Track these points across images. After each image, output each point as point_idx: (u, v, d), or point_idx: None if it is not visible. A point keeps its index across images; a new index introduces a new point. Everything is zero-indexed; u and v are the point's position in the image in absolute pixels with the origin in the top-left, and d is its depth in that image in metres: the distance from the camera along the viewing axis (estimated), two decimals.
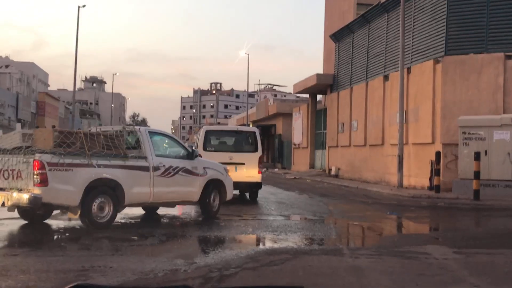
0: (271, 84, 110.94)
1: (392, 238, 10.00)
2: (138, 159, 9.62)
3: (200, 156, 11.40)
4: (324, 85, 31.24)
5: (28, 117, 63.78)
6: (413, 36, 20.88)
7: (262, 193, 16.53)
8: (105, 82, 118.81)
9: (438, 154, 17.29)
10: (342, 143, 27.89)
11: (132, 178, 9.39)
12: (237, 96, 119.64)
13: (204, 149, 14.53)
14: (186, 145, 11.47)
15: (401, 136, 19.41)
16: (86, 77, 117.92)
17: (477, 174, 15.58)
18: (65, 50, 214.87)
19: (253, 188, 15.13)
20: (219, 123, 78.85)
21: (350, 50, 28.14)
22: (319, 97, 36.21)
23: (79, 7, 36.92)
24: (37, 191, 8.28)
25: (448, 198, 16.20)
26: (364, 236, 10.29)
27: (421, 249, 7.97)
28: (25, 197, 8.29)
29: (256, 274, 6.20)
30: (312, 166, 33.68)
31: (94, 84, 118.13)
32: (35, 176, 8.28)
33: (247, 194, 15.72)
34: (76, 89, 46.03)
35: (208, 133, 15.36)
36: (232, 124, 59.15)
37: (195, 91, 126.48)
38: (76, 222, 9.54)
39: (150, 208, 11.09)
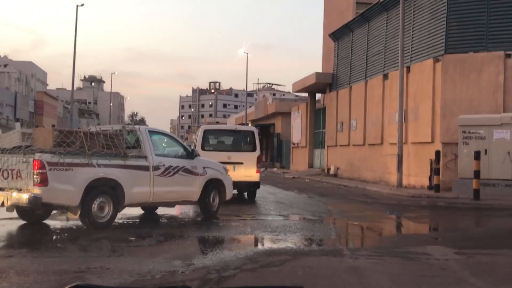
0: (270, 83, 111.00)
1: (392, 238, 9.93)
2: (138, 159, 9.57)
3: (199, 155, 11.33)
4: (323, 84, 31.17)
5: (27, 116, 63.66)
6: (412, 34, 20.81)
7: (261, 192, 16.46)
8: (103, 82, 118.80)
9: (437, 153, 17.23)
10: (341, 142, 27.82)
11: (132, 178, 9.34)
12: (236, 95, 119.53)
13: (203, 148, 14.51)
14: (185, 144, 11.41)
15: (400, 135, 19.34)
16: (84, 76, 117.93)
17: (477, 174, 15.51)
18: (64, 50, 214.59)
19: (251, 187, 15.14)
20: (217, 123, 78.91)
21: (349, 49, 28.06)
22: (318, 96, 36.12)
23: (77, 6, 36.93)
24: (37, 191, 8.23)
25: (448, 197, 16.14)
26: (364, 236, 10.21)
27: (422, 249, 7.90)
28: (25, 197, 8.23)
29: (255, 275, 6.12)
30: (311, 165, 33.61)
31: (93, 84, 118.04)
32: (35, 176, 8.22)
33: (246, 194, 15.67)
34: (75, 88, 45.93)
35: (206, 133, 15.36)
36: (231, 123, 59.14)
37: (194, 91, 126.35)
38: (73, 223, 9.46)
39: (149, 208, 11.03)
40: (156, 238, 8.54)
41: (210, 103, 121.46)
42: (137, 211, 10.99)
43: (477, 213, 13.89)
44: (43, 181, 8.21)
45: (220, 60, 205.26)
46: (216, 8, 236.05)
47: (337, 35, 29.90)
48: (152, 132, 10.41)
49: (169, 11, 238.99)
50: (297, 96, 54.23)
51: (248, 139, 15.59)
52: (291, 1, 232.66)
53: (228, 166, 12.22)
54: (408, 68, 20.55)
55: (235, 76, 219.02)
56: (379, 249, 8.10)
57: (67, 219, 9.26)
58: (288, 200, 15.60)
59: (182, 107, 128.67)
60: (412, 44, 20.73)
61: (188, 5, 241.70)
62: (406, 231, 11.32)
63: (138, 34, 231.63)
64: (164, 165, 9.97)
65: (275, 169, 39.01)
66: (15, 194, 8.36)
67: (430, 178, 18.16)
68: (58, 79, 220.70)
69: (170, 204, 10.75)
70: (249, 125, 47.29)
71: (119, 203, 9.17)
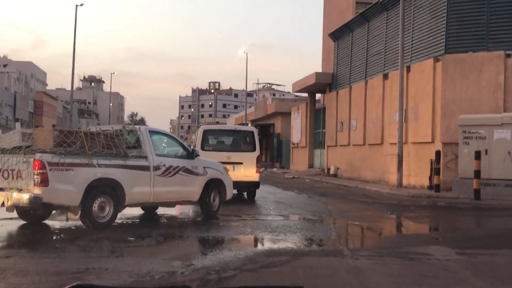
0: (269, 84, 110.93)
1: (393, 238, 9.88)
2: (138, 159, 9.55)
3: (199, 155, 11.30)
4: (323, 84, 31.12)
5: (26, 116, 63.64)
6: (412, 34, 20.76)
7: (261, 192, 16.42)
8: (103, 82, 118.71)
9: (438, 153, 17.18)
10: (341, 142, 27.78)
11: (132, 178, 9.31)
12: (236, 95, 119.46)
13: (202, 148, 14.48)
14: (186, 144, 11.37)
15: (400, 135, 19.30)
16: (84, 77, 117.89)
17: (477, 173, 15.47)
18: (64, 50, 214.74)
19: (251, 187, 15.13)
20: (217, 123, 78.84)
21: (349, 49, 28.02)
22: (318, 96, 36.09)
23: (76, 6, 36.89)
24: (37, 191, 8.19)
25: (448, 197, 16.10)
26: (364, 237, 10.17)
27: (423, 249, 7.85)
28: (25, 197, 8.20)
29: (255, 276, 6.08)
30: (311, 165, 33.56)
31: (93, 84, 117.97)
32: (35, 176, 8.18)
33: (245, 194, 15.64)
34: (75, 88, 45.91)
35: (206, 133, 15.35)
36: (231, 123, 59.09)
37: (193, 91, 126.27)
38: (72, 223, 9.40)
39: (149, 208, 11.00)
40: (155, 238, 8.50)
41: (210, 103, 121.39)
42: (137, 211, 10.94)
43: (477, 213, 13.84)
44: (44, 181, 8.18)
45: (220, 60, 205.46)
46: (216, 8, 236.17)
47: (337, 35, 29.85)
48: (153, 132, 10.38)
49: (169, 11, 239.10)
50: (297, 96, 54.20)
51: (248, 139, 15.57)
52: (291, 1, 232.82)
53: (228, 166, 12.20)
54: (408, 68, 20.51)
55: (235, 76, 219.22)
56: (379, 249, 8.06)
57: (67, 219, 9.20)
58: (288, 200, 15.56)
59: (182, 107, 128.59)
60: (412, 44, 20.69)
61: (188, 5, 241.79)
62: (407, 231, 11.27)
63: (138, 34, 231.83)
64: (164, 165, 9.94)
65: (275, 169, 38.96)
66: (15, 194, 8.33)
67: (430, 178, 18.12)
68: (58, 79, 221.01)
69: (171, 204, 10.72)
70: (249, 125, 47.25)
71: (119, 203, 9.14)
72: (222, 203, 11.32)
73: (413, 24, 20.79)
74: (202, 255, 7.29)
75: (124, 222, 10.08)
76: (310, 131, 33.97)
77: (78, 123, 75.51)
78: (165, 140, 11.04)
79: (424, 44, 19.94)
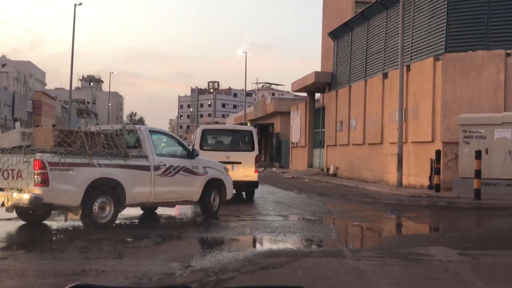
0: (269, 83, 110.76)
1: (393, 239, 9.80)
2: (138, 159, 9.49)
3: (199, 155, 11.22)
4: (322, 83, 31.03)
5: (25, 116, 63.53)
6: (412, 33, 20.68)
7: (260, 192, 16.34)
8: (102, 81, 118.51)
9: (438, 152, 17.10)
10: (340, 141, 27.69)
11: (133, 178, 9.25)
12: (235, 95, 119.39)
13: (201, 148, 14.42)
14: (186, 144, 11.29)
15: (400, 135, 19.22)
16: (83, 76, 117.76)
17: (478, 173, 15.39)
18: (63, 49, 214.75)
19: (249, 187, 15.12)
20: (216, 122, 78.74)
21: (348, 48, 27.93)
22: (317, 95, 36.01)
23: (75, 5, 36.74)
24: (37, 191, 8.13)
25: (448, 197, 16.02)
26: (364, 237, 10.08)
27: (424, 250, 7.76)
28: (25, 197, 8.13)
29: (254, 277, 5.99)
30: (310, 165, 33.48)
31: (92, 83, 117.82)
32: (35, 176, 8.11)
33: (244, 193, 15.58)
34: (73, 88, 45.80)
35: (205, 132, 15.32)
36: (230, 123, 59.00)
37: (192, 90, 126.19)
38: (71, 223, 9.32)
39: (149, 208, 10.93)
40: (153, 239, 8.40)
41: (209, 103, 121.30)
42: (135, 211, 10.86)
43: (478, 213, 13.77)
44: (44, 181, 8.11)
45: (219, 60, 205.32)
46: (215, 8, 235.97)
47: (336, 34, 29.76)
48: (153, 131, 10.32)
49: (169, 11, 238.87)
50: (296, 95, 54.10)
51: (247, 138, 15.54)
52: (291, 1, 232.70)
53: (227, 166, 12.13)
54: (408, 67, 20.42)
55: (234, 76, 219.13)
56: (380, 250, 7.97)
57: (65, 220, 9.12)
58: (287, 200, 15.48)
59: (181, 107, 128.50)
60: (412, 43, 20.60)
61: (188, 5, 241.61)
62: (407, 232, 11.19)
63: (138, 34, 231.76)
64: (165, 165, 9.88)
65: (274, 169, 38.87)
66: (15, 195, 8.26)
67: (430, 178, 18.03)
68: (57, 79, 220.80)
69: (171, 204, 10.66)
70: (248, 124, 47.18)
71: (120, 203, 9.08)
72: (222, 203, 11.26)
73: (413, 23, 20.71)
74: (201, 256, 7.20)
75: (123, 223, 9.99)
76: (309, 131, 33.89)
77: (76, 123, 75.33)
78: (165, 140, 10.99)
79: (424, 43, 19.85)
